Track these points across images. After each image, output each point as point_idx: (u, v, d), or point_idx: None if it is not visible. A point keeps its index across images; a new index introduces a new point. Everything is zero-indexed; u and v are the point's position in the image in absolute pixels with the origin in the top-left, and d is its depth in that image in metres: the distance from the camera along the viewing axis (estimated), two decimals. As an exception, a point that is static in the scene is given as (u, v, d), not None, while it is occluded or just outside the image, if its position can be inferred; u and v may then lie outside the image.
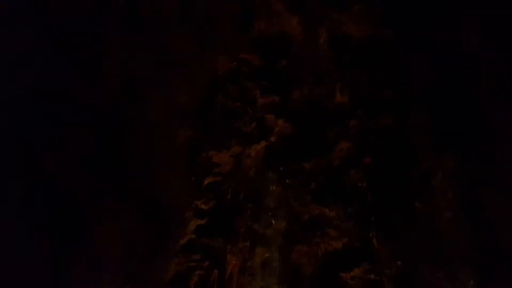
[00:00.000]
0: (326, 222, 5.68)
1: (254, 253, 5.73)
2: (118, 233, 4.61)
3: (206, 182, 5.68)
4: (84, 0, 5.59)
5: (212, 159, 5.67)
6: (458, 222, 4.60)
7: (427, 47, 5.11)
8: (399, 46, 5.38)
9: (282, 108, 6.00)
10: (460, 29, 5.11)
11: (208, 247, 5.42)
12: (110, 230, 4.56)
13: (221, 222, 5.60)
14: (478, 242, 4.45)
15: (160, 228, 4.91)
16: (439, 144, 4.92)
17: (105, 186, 4.71)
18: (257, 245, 5.74)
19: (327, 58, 5.88)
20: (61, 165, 4.54)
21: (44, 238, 4.21)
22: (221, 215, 5.62)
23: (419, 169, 5.06)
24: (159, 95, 5.20)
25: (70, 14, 5.47)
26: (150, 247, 4.77)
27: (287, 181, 6.04)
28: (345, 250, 5.47)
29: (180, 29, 5.79)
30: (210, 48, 5.63)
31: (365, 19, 5.92)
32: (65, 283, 4.15)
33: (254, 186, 5.94)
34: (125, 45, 5.29)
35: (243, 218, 5.78)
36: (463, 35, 5.05)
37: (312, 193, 5.86)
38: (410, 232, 4.83)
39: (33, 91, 4.67)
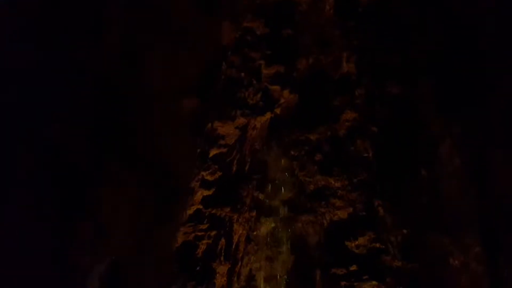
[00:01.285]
0: (331, 192, 5.67)
1: (260, 223, 5.81)
2: (124, 200, 4.69)
3: (211, 153, 5.70)
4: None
5: (217, 131, 5.64)
6: (464, 189, 4.54)
7: (435, 11, 4.89)
8: (407, 11, 5.16)
9: (287, 78, 5.90)
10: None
11: (215, 217, 5.50)
12: (116, 197, 4.64)
13: (227, 193, 5.67)
14: (485, 208, 4.40)
15: (166, 194, 4.97)
16: (446, 111, 4.78)
17: (110, 153, 4.74)
18: (263, 215, 5.81)
19: (333, 25, 5.69)
20: (65, 133, 4.58)
21: (50, 206, 4.31)
22: (227, 186, 5.68)
23: (425, 137, 4.96)
24: (162, 64, 5.13)
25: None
26: (157, 214, 4.85)
27: (292, 152, 6.02)
28: (350, 220, 5.48)
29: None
30: (214, 16, 5.49)
31: (372, -18, 5.67)
32: (72, 251, 4.29)
33: (259, 157, 5.94)
34: (127, 12, 5.18)
35: (249, 189, 5.82)
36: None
37: (317, 163, 5.83)
38: (415, 200, 4.80)
39: (35, 60, 4.66)
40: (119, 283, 4.39)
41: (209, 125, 5.61)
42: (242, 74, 5.84)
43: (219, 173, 5.68)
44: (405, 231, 4.85)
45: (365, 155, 5.61)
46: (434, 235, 4.65)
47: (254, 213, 5.74)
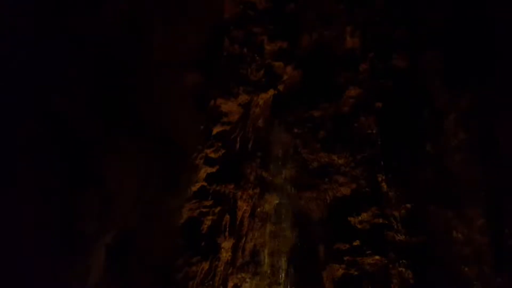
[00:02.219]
0: (334, 169, 5.64)
1: (264, 200, 5.81)
2: (129, 169, 4.67)
3: (214, 131, 5.67)
4: None
5: (220, 108, 5.59)
6: (469, 162, 4.49)
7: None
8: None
9: (291, 54, 5.79)
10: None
11: (219, 194, 5.51)
12: (121, 167, 4.62)
13: (231, 170, 5.66)
14: (490, 181, 4.36)
15: (171, 164, 4.94)
16: (453, 83, 4.69)
17: (113, 123, 4.70)
18: (267, 192, 5.80)
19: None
20: (68, 103, 4.53)
21: (55, 176, 4.30)
22: (230, 163, 5.66)
23: (431, 111, 4.88)
24: (162, 36, 5.01)
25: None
26: (162, 183, 4.84)
27: (295, 130, 5.97)
28: (353, 196, 5.46)
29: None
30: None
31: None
32: (78, 219, 4.31)
33: (262, 135, 5.90)
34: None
35: (252, 166, 5.81)
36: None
37: (320, 141, 5.78)
38: (420, 175, 4.76)
39: (37, 31, 4.57)
40: (125, 254, 4.44)
41: (212, 102, 5.57)
42: (245, 49, 5.74)
43: (223, 151, 5.66)
44: (408, 205, 4.83)
45: (369, 131, 5.55)
46: (437, 209, 4.62)
47: (257, 190, 5.74)
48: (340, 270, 5.19)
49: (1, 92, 4.22)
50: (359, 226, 5.29)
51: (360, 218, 5.29)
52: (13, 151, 4.08)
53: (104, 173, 4.54)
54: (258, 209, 5.73)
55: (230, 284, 5.30)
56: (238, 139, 5.73)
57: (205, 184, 5.52)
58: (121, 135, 4.69)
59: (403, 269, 4.68)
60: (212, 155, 5.59)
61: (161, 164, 4.95)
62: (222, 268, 5.27)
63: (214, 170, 5.57)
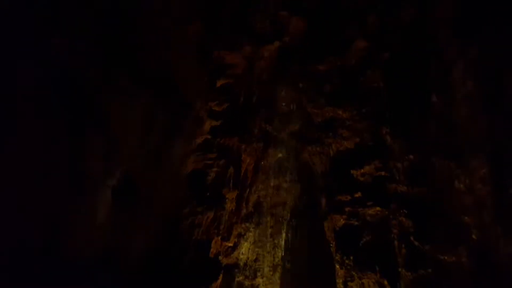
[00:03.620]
0: (339, 123, 5.57)
1: (268, 153, 5.83)
2: (133, 114, 4.66)
3: (218, 84, 5.60)
4: None
5: (224, 60, 5.47)
6: (476, 113, 4.38)
7: None
8: None
9: (297, 4, 5.55)
10: None
11: (223, 147, 5.53)
12: (125, 112, 4.61)
13: (235, 124, 5.64)
14: (494, 133, 4.27)
15: (175, 109, 4.92)
16: (461, 33, 4.47)
17: (117, 68, 4.63)
18: (270, 146, 5.80)
19: None
20: (71, 47, 4.46)
21: (60, 121, 4.32)
22: (234, 117, 5.63)
23: (439, 61, 4.71)
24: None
25: None
26: (166, 128, 4.85)
27: (300, 84, 5.85)
28: (356, 149, 5.42)
29: None
30: None
31: None
32: (83, 162, 4.38)
33: (267, 89, 5.81)
34: None
35: (257, 120, 5.77)
36: None
37: (326, 95, 5.66)
38: (425, 126, 4.67)
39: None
40: (131, 193, 4.54)
41: (216, 53, 5.44)
42: (249, -1, 5.52)
43: (227, 104, 5.60)
44: (412, 157, 4.77)
45: (375, 85, 5.41)
46: (440, 160, 4.55)
47: (261, 144, 5.74)
48: (341, 220, 5.26)
49: (0, 37, 4.13)
50: (361, 179, 5.29)
51: (362, 170, 5.28)
52: (13, 95, 4.06)
53: (107, 118, 4.53)
54: (262, 163, 5.76)
55: (235, 232, 5.45)
56: (242, 92, 5.65)
57: (209, 137, 5.53)
58: (123, 83, 4.63)
59: (404, 219, 4.72)
60: (216, 108, 5.55)
61: (164, 113, 4.92)
62: (226, 217, 5.40)
63: (218, 123, 5.55)
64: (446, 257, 4.31)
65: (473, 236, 4.23)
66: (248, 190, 5.60)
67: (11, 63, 4.10)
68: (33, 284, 3.74)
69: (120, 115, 4.61)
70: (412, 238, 4.62)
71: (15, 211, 3.83)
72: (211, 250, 5.20)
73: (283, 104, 5.81)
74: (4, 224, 3.87)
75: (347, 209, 5.29)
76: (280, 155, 5.79)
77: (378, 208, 5.09)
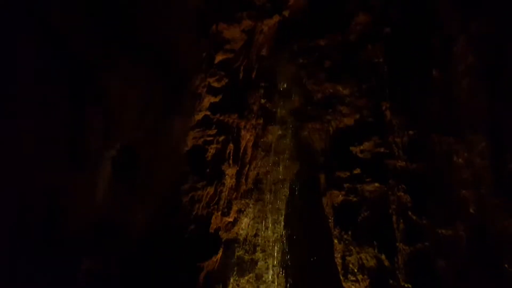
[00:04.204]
0: (339, 100, 5.52)
1: (267, 130, 5.80)
2: (132, 89, 4.61)
3: (217, 59, 5.50)
4: None
5: (222, 34, 5.36)
6: (476, 87, 4.33)
7: None
8: None
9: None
10: None
11: (223, 123, 5.50)
12: (124, 87, 4.55)
13: (234, 100, 5.59)
14: (495, 107, 4.23)
15: (173, 84, 4.87)
16: (463, 7, 4.37)
17: (115, 43, 4.58)
18: (270, 123, 5.76)
19: None
20: (69, 23, 4.38)
21: (59, 95, 4.28)
22: (234, 93, 5.58)
23: (439, 36, 4.63)
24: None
25: None
26: (165, 103, 4.82)
27: (300, 60, 5.77)
28: (356, 126, 5.39)
29: None
30: None
31: None
32: (83, 136, 4.37)
33: (266, 64, 5.73)
34: None
35: (256, 96, 5.72)
36: None
37: (326, 71, 5.57)
38: (425, 101, 4.62)
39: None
40: (131, 167, 4.56)
41: (214, 27, 5.34)
42: (248, -30, 5.38)
43: (226, 80, 5.54)
44: (411, 132, 4.74)
45: (376, 60, 5.34)
46: (440, 135, 4.52)
47: (261, 121, 5.71)
48: (340, 196, 5.29)
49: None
50: (360, 155, 5.28)
51: (362, 147, 5.26)
52: (13, 71, 4.02)
53: (105, 91, 4.49)
54: (262, 139, 5.75)
55: (234, 208, 5.49)
56: (242, 68, 5.57)
57: (208, 113, 5.49)
58: (121, 56, 4.57)
59: (402, 194, 4.72)
60: (215, 84, 5.49)
61: (162, 86, 4.87)
62: (226, 193, 5.43)
63: (217, 99, 5.50)
64: (443, 231, 4.33)
65: (471, 210, 4.24)
66: (247, 166, 5.62)
67: (10, 40, 4.04)
68: (34, 257, 3.81)
69: (119, 90, 4.57)
70: (410, 213, 4.63)
71: (15, 185, 3.85)
72: (211, 225, 5.25)
73: (283, 80, 5.75)
74: (4, 198, 3.90)
75: (346, 185, 5.30)
76: (279, 132, 5.78)
77: (376, 184, 5.10)
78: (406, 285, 4.50)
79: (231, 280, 5.12)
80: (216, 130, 5.46)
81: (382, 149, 5.13)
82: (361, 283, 4.97)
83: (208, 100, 5.45)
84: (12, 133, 3.97)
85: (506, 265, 3.87)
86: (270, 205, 5.63)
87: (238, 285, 5.15)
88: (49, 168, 4.02)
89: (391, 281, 4.68)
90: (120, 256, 4.13)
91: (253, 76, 5.62)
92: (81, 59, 4.43)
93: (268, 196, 5.66)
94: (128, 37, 4.61)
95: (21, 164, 3.95)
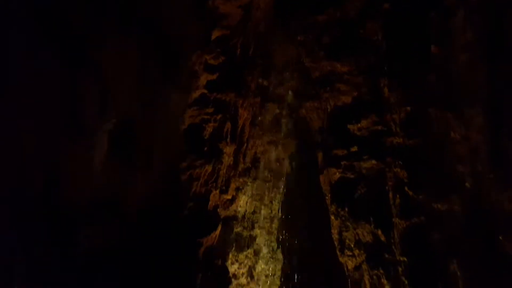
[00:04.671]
0: (337, 77, 5.50)
1: (265, 109, 5.80)
2: (127, 63, 4.57)
3: (214, 35, 5.43)
4: None
5: (218, 9, 5.28)
6: (475, 63, 4.32)
7: None
8: None
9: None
10: None
11: (220, 101, 5.48)
12: (118, 60, 4.53)
13: (231, 78, 5.56)
14: (493, 81, 4.24)
15: (169, 57, 4.82)
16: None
17: (109, 16, 4.50)
18: (268, 101, 5.75)
19: None
20: None
21: (51, 64, 4.23)
22: (231, 71, 5.54)
23: (438, 10, 4.59)
24: None
25: None
26: (160, 77, 4.79)
27: (299, 37, 5.70)
28: (354, 104, 5.38)
29: None
30: None
31: None
32: (78, 110, 4.35)
33: (264, 42, 5.66)
34: None
35: (254, 74, 5.68)
36: None
37: (324, 48, 5.53)
38: (423, 78, 4.60)
39: None
40: (128, 143, 4.57)
41: (210, 1, 5.25)
42: None
43: (223, 58, 5.48)
44: (408, 108, 4.75)
45: (375, 38, 5.29)
46: (437, 111, 4.53)
47: (258, 99, 5.70)
48: (337, 174, 5.32)
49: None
50: (358, 133, 5.29)
51: (359, 125, 5.26)
52: (4, 39, 3.95)
53: (101, 64, 4.45)
54: (259, 118, 5.75)
55: (232, 186, 5.53)
56: (239, 45, 5.51)
57: (205, 91, 5.46)
58: (116, 29, 4.50)
59: (399, 170, 4.77)
60: (212, 61, 5.43)
61: (158, 62, 4.83)
62: (224, 171, 5.45)
63: (214, 77, 5.47)
64: (439, 205, 4.38)
65: (467, 184, 4.29)
66: (245, 145, 5.62)
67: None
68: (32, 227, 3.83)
69: (114, 63, 4.52)
70: (406, 188, 4.68)
71: (10, 158, 3.84)
72: (210, 202, 5.29)
73: (281, 58, 5.71)
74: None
75: (343, 163, 5.32)
76: (277, 110, 5.77)
77: (373, 162, 5.12)
78: (401, 259, 4.58)
79: (230, 255, 5.20)
80: (213, 109, 5.44)
81: (379, 127, 5.14)
82: (357, 257, 5.05)
83: (205, 77, 5.41)
84: (6, 107, 3.93)
85: (500, 237, 3.95)
86: (268, 184, 5.67)
87: (237, 260, 5.24)
88: (45, 140, 4.00)
89: (386, 256, 4.76)
90: (120, 228, 4.17)
91: (250, 53, 5.56)
92: (75, 31, 4.35)
93: (266, 175, 5.69)
94: (123, 11, 4.53)
95: (16, 137, 3.92)
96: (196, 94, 5.39)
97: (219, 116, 5.47)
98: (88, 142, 4.34)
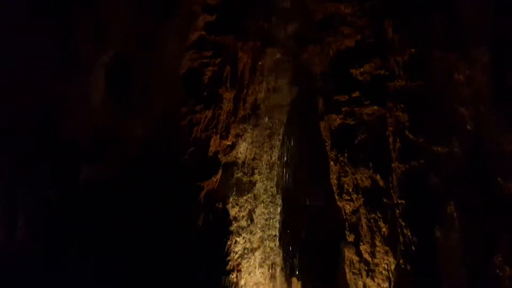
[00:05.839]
0: (340, 20, 5.31)
1: (265, 53, 5.64)
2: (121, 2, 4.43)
3: (212, -27, 5.22)
4: None
5: None
6: (480, 3, 4.16)
7: None
8: None
9: None
10: None
11: (219, 45, 5.32)
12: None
13: (231, 20, 5.37)
14: (500, 21, 4.08)
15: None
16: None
17: None
18: (269, 45, 5.59)
19: None
20: None
21: (47, 5, 4.08)
22: (230, 13, 5.35)
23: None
24: None
25: None
26: (158, 9, 4.63)
27: (302, -23, 5.48)
28: (357, 48, 5.25)
29: None
30: None
31: None
32: (74, 43, 4.25)
33: (265, -19, 5.46)
34: None
35: (254, 17, 5.49)
36: None
37: (328, -13, 5.35)
38: (427, 18, 4.43)
39: None
40: (125, 81, 4.51)
41: None
42: None
43: (222, -3, 5.29)
44: (413, 50, 4.63)
45: (380, -24, 5.06)
46: (442, 52, 4.43)
47: (258, 43, 5.54)
48: (338, 120, 5.29)
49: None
50: (360, 78, 5.19)
51: (362, 69, 5.15)
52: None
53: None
54: (260, 63, 5.62)
55: (233, 132, 5.52)
56: (239, -17, 5.30)
57: (204, 33, 5.28)
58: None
59: (400, 113, 4.73)
60: (211, 1, 5.22)
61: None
62: (224, 116, 5.42)
63: (213, 19, 5.27)
64: (439, 148, 4.39)
65: (468, 127, 4.28)
66: (245, 90, 5.54)
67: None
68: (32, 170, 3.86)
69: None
70: (407, 132, 4.66)
71: (7, 96, 3.79)
72: (210, 148, 5.32)
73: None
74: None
75: (344, 109, 5.26)
76: (278, 55, 5.62)
77: (375, 107, 5.06)
78: (399, 201, 4.67)
79: (231, 199, 5.32)
80: (212, 52, 5.30)
81: (382, 71, 5.03)
82: (355, 202, 5.15)
83: (203, 19, 5.21)
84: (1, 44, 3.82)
85: (498, 178, 4.00)
86: (268, 130, 5.67)
87: (237, 204, 5.36)
88: (41, 75, 3.93)
89: (385, 200, 4.84)
90: (121, 166, 4.21)
91: (251, -7, 5.33)
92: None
93: (266, 121, 5.67)
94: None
95: (12, 74, 3.85)
96: (194, 37, 5.22)
97: (218, 60, 5.33)
98: (84, 74, 4.26)
